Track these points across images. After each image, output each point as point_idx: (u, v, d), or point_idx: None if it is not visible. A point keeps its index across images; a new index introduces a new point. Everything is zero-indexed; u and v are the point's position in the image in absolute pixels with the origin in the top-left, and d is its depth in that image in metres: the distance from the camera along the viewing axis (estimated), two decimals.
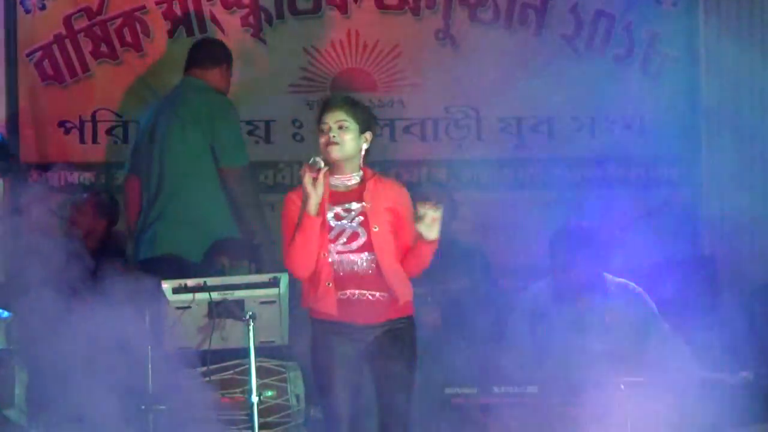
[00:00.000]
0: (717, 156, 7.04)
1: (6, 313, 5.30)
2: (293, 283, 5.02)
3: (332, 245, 4.77)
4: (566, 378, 5.63)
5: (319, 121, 4.87)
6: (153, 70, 7.00)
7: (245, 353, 5.15)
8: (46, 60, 6.96)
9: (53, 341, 5.23)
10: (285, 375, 5.59)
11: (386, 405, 4.79)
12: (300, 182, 4.73)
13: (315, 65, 7.04)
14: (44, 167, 6.94)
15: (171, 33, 7.00)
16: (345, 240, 4.78)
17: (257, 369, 5.10)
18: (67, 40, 6.97)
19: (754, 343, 5.87)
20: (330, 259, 4.77)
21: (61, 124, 6.97)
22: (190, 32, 7.00)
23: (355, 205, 4.81)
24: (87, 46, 6.98)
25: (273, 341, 5.32)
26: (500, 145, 7.13)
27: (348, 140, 4.82)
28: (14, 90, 6.90)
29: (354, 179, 4.87)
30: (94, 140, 7.00)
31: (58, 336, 5.15)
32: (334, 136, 4.80)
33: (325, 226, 4.76)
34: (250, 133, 7.02)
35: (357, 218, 4.79)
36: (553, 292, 6.02)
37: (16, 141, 6.91)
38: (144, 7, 7.00)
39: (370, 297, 4.78)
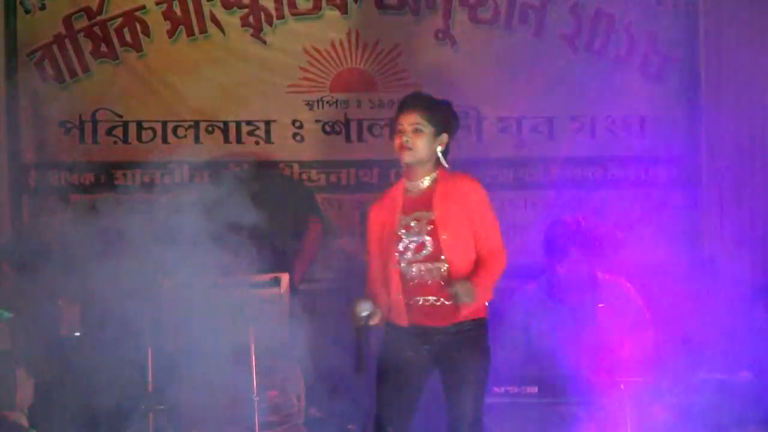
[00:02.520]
0: (717, 155, 7.04)
1: (6, 314, 5.30)
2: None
3: (401, 255, 4.79)
4: (563, 377, 5.64)
5: (395, 122, 4.87)
6: (153, 70, 7.00)
7: (246, 353, 5.16)
8: (46, 60, 6.95)
9: None
10: (285, 375, 5.59)
11: (454, 406, 4.80)
12: (382, 190, 4.90)
13: (315, 65, 7.04)
14: (44, 167, 6.94)
15: (171, 33, 7.00)
16: (413, 250, 4.79)
17: (257, 368, 5.11)
18: (67, 40, 6.97)
19: (754, 343, 5.87)
20: (400, 270, 4.79)
21: (61, 124, 6.97)
22: (190, 32, 7.00)
23: (425, 214, 4.81)
24: (87, 46, 6.98)
25: (273, 341, 5.33)
26: (500, 145, 7.13)
27: (421, 144, 4.82)
28: (14, 90, 6.89)
29: (426, 182, 4.87)
30: (94, 140, 6.99)
31: None
32: (407, 140, 4.80)
33: (393, 240, 4.79)
34: (250, 133, 7.02)
35: (426, 227, 4.79)
36: (547, 290, 6.04)
37: (16, 141, 6.91)
38: (144, 7, 7.00)
39: (436, 303, 4.80)
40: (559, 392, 5.57)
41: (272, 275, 5.30)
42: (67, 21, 6.96)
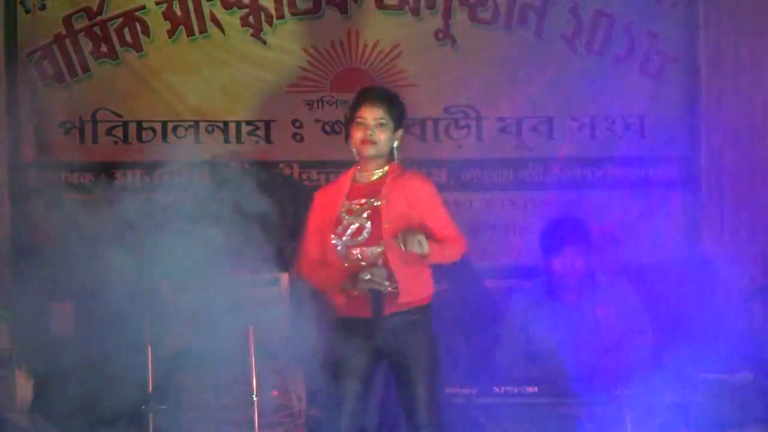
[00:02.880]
0: (717, 156, 7.04)
1: (6, 313, 5.30)
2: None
3: (340, 239, 4.81)
4: (563, 377, 5.64)
5: (355, 113, 4.87)
6: (153, 70, 7.00)
7: (245, 353, 5.15)
8: (46, 60, 6.95)
9: None
10: (285, 375, 5.58)
11: (407, 401, 4.80)
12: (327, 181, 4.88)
13: (315, 65, 7.04)
14: (44, 167, 6.94)
15: (171, 33, 7.00)
16: (351, 234, 4.80)
17: (257, 369, 5.11)
18: (67, 40, 6.97)
19: (754, 343, 5.87)
20: (339, 251, 4.80)
21: (61, 124, 6.97)
22: (190, 32, 7.00)
23: (370, 201, 4.84)
24: (87, 46, 6.98)
25: (273, 341, 5.32)
26: (500, 145, 7.13)
27: (384, 138, 4.86)
28: (14, 90, 6.89)
29: (377, 174, 4.89)
30: (94, 140, 6.99)
31: None
32: (371, 134, 4.82)
33: (333, 221, 4.82)
34: (250, 133, 7.02)
35: (366, 212, 4.81)
36: (547, 290, 6.05)
37: (16, 141, 6.91)
38: (144, 7, 7.00)
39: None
40: (559, 392, 5.58)
41: (272, 275, 5.29)
42: (67, 21, 6.96)
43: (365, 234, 4.79)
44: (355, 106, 4.89)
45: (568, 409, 5.54)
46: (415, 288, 4.82)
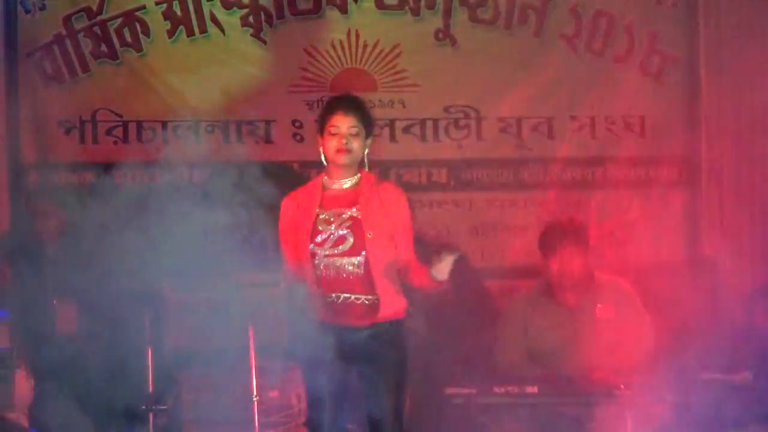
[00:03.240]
0: (717, 156, 7.04)
1: (6, 313, 5.30)
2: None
3: (319, 249, 4.78)
4: (563, 377, 5.64)
5: (327, 122, 4.84)
6: (153, 70, 7.00)
7: (245, 353, 5.15)
8: (46, 60, 6.95)
9: None
10: (285, 375, 5.58)
11: (373, 408, 4.77)
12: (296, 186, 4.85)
13: (315, 65, 7.03)
14: (44, 167, 6.94)
15: (171, 33, 7.00)
16: (331, 244, 4.77)
17: (258, 369, 5.11)
18: (67, 40, 6.97)
19: (754, 343, 5.87)
20: (316, 262, 4.78)
21: (61, 124, 6.97)
22: (190, 32, 7.00)
23: (347, 211, 4.81)
24: (87, 46, 6.98)
25: (273, 341, 5.32)
26: (500, 145, 7.13)
27: (358, 147, 4.83)
28: (14, 90, 6.89)
29: (349, 182, 4.87)
30: (94, 140, 6.99)
31: None
32: (346, 143, 4.79)
33: (308, 231, 4.78)
34: (250, 133, 7.02)
35: (346, 222, 4.79)
36: (547, 290, 6.05)
37: (16, 141, 6.91)
38: (144, 7, 7.00)
39: (356, 301, 4.79)
40: (559, 392, 5.57)
41: (272, 275, 5.29)
42: (67, 21, 6.96)
43: (347, 245, 4.77)
44: (327, 115, 4.86)
45: (568, 409, 5.54)
46: (395, 302, 4.83)
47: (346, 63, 7.06)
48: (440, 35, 7.09)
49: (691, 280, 6.48)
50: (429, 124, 7.10)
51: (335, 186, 4.87)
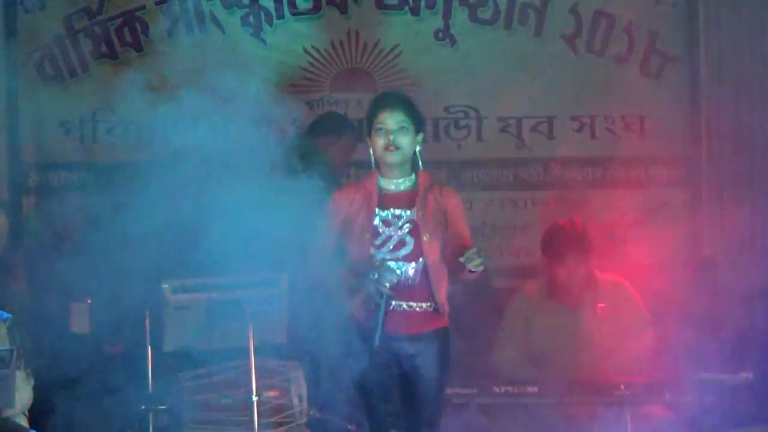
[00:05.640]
0: (717, 156, 7.04)
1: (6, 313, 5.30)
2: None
3: (378, 251, 4.63)
4: (563, 377, 5.65)
5: (374, 119, 4.70)
6: (153, 69, 6.99)
7: (245, 353, 5.15)
8: (46, 60, 6.95)
9: None
10: (287, 375, 5.58)
11: (418, 417, 4.67)
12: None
13: (315, 65, 7.04)
14: (44, 167, 6.94)
15: (171, 33, 7.00)
16: (392, 247, 4.63)
17: (258, 369, 5.11)
18: (67, 40, 6.97)
19: (754, 344, 5.87)
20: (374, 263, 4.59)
21: (61, 124, 6.97)
22: (190, 32, 7.00)
23: (405, 212, 4.66)
24: (87, 46, 6.98)
25: (273, 341, 5.32)
26: (500, 145, 7.13)
27: (407, 144, 4.66)
28: (14, 90, 6.89)
29: (406, 183, 4.72)
30: (94, 140, 6.99)
31: None
32: (393, 140, 4.63)
33: (370, 232, 4.62)
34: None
35: (406, 225, 4.64)
36: (547, 290, 6.05)
37: (16, 141, 6.91)
38: (144, 6, 7.00)
39: (417, 309, 4.65)
40: (559, 392, 5.58)
41: (272, 275, 5.29)
42: (67, 21, 6.96)
43: (408, 249, 4.62)
44: (374, 113, 4.71)
45: (568, 409, 5.54)
46: (446, 306, 4.69)
47: (346, 63, 7.06)
48: (440, 35, 7.09)
49: (691, 280, 6.48)
50: (429, 124, 7.10)
51: (392, 186, 4.71)
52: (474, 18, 7.10)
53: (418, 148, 4.72)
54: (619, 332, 5.89)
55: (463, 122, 7.12)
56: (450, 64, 7.08)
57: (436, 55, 7.08)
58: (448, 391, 5.57)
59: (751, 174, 7.02)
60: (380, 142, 4.66)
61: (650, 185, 7.10)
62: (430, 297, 4.64)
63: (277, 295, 5.20)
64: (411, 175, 4.73)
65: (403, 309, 4.62)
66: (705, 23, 7.06)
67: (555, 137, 7.13)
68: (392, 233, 4.64)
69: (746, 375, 5.64)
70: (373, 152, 4.72)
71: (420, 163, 4.77)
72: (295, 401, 5.54)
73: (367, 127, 4.77)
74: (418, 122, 4.71)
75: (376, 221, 4.65)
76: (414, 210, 4.65)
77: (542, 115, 7.12)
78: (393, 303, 4.57)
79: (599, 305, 5.97)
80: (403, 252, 4.62)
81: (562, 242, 5.97)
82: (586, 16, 7.11)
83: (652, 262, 6.45)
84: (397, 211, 4.66)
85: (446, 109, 7.10)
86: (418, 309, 4.65)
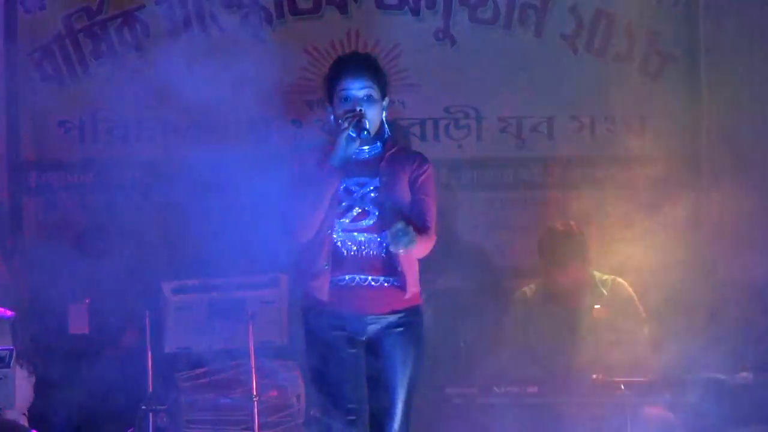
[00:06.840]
0: (717, 156, 7.04)
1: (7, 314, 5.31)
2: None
3: (338, 221, 4.33)
4: (563, 377, 5.65)
5: (336, 86, 4.36)
6: (153, 69, 6.99)
7: (245, 353, 5.15)
8: (46, 60, 6.96)
9: None
10: (285, 375, 5.59)
11: (383, 407, 4.36)
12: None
13: (315, 65, 7.04)
14: (44, 167, 6.94)
15: (171, 32, 6.99)
16: (354, 216, 4.35)
17: (257, 369, 5.11)
18: (67, 40, 6.97)
19: (754, 343, 5.87)
20: (334, 235, 4.31)
21: (61, 124, 6.97)
22: (189, 32, 7.00)
23: (369, 181, 4.38)
24: (87, 46, 6.98)
25: (273, 341, 5.33)
26: (500, 145, 7.13)
27: (375, 113, 4.33)
28: (14, 90, 6.89)
29: (371, 151, 4.43)
30: (94, 140, 6.99)
31: None
32: (361, 109, 4.29)
33: (334, 200, 4.29)
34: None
35: (370, 195, 4.37)
36: (544, 291, 6.06)
37: (16, 141, 6.91)
38: (144, 6, 7.00)
39: (385, 284, 4.34)
40: (559, 392, 5.58)
41: (272, 275, 5.29)
42: (67, 21, 6.97)
43: (371, 220, 4.32)
44: (336, 78, 4.36)
45: (568, 409, 5.54)
46: (415, 283, 4.38)
47: None
48: (440, 35, 7.09)
49: (691, 279, 6.48)
50: (429, 124, 7.10)
51: (355, 154, 4.35)
52: (474, 18, 7.10)
53: (384, 114, 4.42)
54: (618, 332, 5.89)
55: (463, 122, 7.12)
56: (450, 64, 7.07)
57: (436, 55, 7.08)
58: (449, 391, 5.59)
59: (751, 173, 7.01)
60: (343, 109, 4.33)
61: (650, 185, 7.09)
62: (395, 271, 4.33)
63: (277, 295, 5.20)
64: (376, 143, 4.45)
65: (369, 284, 4.32)
66: (705, 23, 7.07)
67: (555, 137, 7.13)
68: (354, 203, 4.35)
69: (746, 375, 5.64)
70: (335, 119, 4.40)
71: (386, 128, 4.49)
72: (294, 401, 5.55)
73: (328, 90, 4.44)
74: (382, 87, 4.40)
75: (340, 190, 4.32)
76: (378, 179, 4.37)
77: (542, 115, 7.12)
78: (357, 277, 4.30)
79: (597, 305, 5.97)
80: (366, 222, 4.33)
81: (557, 245, 5.99)
82: (586, 16, 7.11)
83: (651, 262, 6.45)
84: (361, 180, 4.37)
85: (446, 109, 7.10)
86: (385, 284, 4.33)
